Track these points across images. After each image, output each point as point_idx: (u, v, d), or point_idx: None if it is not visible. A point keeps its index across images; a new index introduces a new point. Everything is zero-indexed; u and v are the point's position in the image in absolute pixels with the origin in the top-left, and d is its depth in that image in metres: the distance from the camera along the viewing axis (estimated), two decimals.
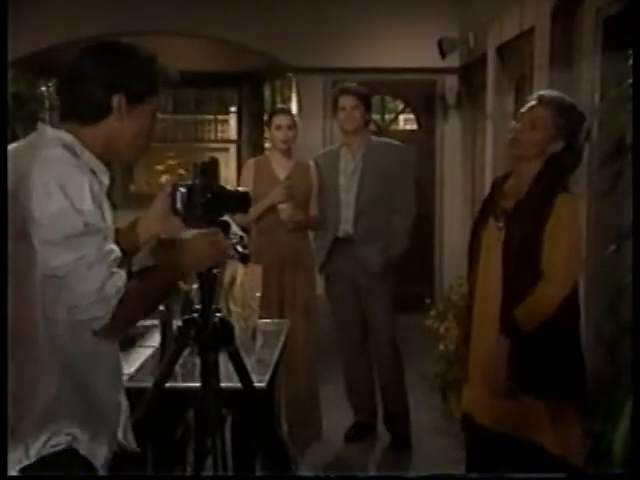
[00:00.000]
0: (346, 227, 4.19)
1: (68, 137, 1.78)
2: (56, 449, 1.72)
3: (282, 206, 4.03)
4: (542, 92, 2.65)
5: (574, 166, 2.62)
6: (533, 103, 2.59)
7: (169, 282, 1.92)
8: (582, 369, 2.59)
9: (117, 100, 1.80)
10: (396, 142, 4.44)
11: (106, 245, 1.72)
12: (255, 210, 3.98)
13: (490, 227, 2.64)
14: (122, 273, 1.74)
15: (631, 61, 2.81)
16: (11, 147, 1.82)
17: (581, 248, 2.62)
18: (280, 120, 4.11)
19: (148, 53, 1.87)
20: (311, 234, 4.36)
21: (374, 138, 4.45)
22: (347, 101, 4.13)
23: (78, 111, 1.81)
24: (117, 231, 1.90)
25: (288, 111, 4.31)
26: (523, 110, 2.61)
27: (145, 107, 1.85)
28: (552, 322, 2.49)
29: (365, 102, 4.18)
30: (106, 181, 1.83)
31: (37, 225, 1.65)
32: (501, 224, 2.57)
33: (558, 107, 2.54)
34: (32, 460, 1.70)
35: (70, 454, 1.74)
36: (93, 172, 1.77)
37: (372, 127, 4.52)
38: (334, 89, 4.36)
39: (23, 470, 1.70)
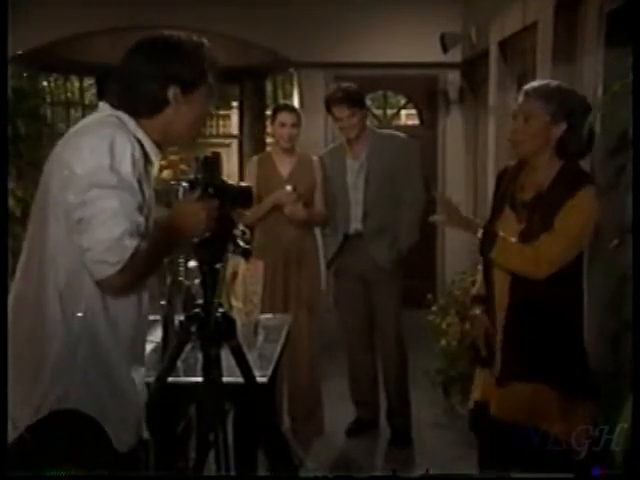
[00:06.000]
0: (356, 225, 4.16)
1: (125, 116, 1.85)
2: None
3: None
4: (527, 86, 2.63)
5: (582, 147, 2.57)
6: (521, 99, 2.59)
7: (169, 243, 1.94)
8: (584, 362, 2.58)
9: (173, 92, 1.86)
10: (400, 134, 4.33)
11: (137, 212, 1.77)
12: (260, 208, 3.98)
13: (506, 219, 2.61)
14: (143, 241, 1.79)
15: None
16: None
17: (582, 238, 2.58)
18: (284, 118, 4.06)
19: (195, 42, 1.92)
20: (318, 229, 4.34)
21: (377, 131, 4.37)
22: (341, 111, 4.01)
23: (134, 106, 1.86)
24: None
25: (293, 108, 4.22)
26: (515, 108, 2.61)
27: (198, 94, 1.90)
28: (554, 313, 2.49)
29: (360, 103, 4.07)
30: (154, 159, 1.90)
31: (75, 178, 1.73)
32: (522, 216, 2.56)
33: (545, 94, 2.53)
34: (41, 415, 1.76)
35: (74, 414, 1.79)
36: (142, 147, 1.84)
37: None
38: (326, 92, 4.19)
39: (31, 427, 1.76)
